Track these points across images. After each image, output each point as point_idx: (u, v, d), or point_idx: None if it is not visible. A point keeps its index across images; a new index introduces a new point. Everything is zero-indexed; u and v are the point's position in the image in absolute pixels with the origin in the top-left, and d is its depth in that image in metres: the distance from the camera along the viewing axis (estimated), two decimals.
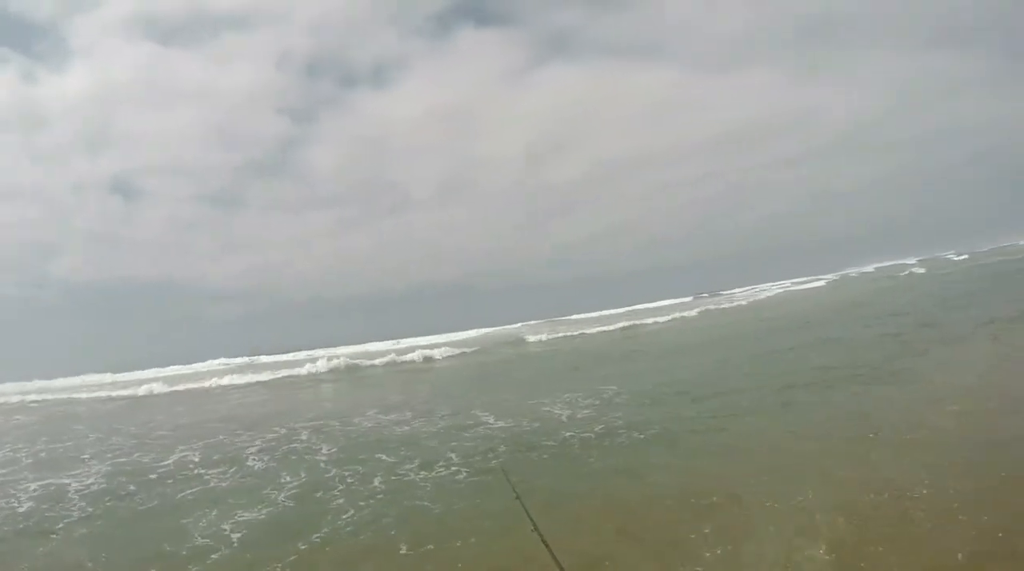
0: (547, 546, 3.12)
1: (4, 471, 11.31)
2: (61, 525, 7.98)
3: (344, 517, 6.91)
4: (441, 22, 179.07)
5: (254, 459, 10.31)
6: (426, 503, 7.09)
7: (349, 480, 8.33)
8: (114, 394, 26.24)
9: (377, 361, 28.99)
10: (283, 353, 58.12)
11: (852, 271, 74.39)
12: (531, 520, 3.52)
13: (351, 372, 27.04)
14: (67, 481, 10.05)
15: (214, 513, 7.73)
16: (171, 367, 52.49)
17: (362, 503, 7.27)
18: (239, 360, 53.19)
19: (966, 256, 60.33)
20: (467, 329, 67.51)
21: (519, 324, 62.07)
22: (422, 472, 8.30)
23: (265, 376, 26.76)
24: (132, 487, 9.44)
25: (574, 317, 60.46)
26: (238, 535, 6.87)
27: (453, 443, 9.73)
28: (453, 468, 8.33)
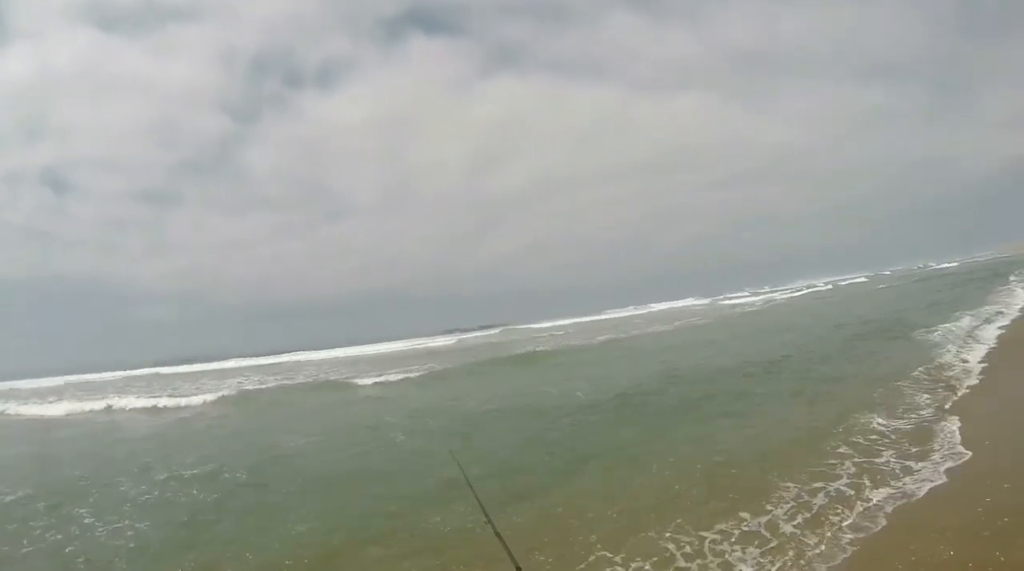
0: (500, 538, 3.18)
1: None
2: None
3: None
4: (392, 28, 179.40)
5: None
6: None
7: None
8: None
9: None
10: (203, 362, 54.90)
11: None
12: (484, 512, 3.58)
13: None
14: None
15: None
16: (71, 376, 48.35)
17: None
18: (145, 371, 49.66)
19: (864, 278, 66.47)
20: (423, 336, 66.64)
21: (487, 331, 62.22)
22: None
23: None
24: None
25: (539, 325, 61.12)
26: None
27: None
28: None
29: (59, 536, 7.23)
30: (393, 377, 20.85)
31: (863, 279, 74.90)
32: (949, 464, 6.24)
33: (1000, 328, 14.79)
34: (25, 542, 7.13)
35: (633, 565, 5.03)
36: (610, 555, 5.22)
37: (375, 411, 15.06)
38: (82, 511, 8.05)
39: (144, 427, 17.14)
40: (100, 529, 7.35)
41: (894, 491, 5.80)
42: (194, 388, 25.49)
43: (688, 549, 5.18)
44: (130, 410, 20.79)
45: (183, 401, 20.51)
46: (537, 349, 24.95)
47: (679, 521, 5.66)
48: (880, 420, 8.02)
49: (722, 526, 5.49)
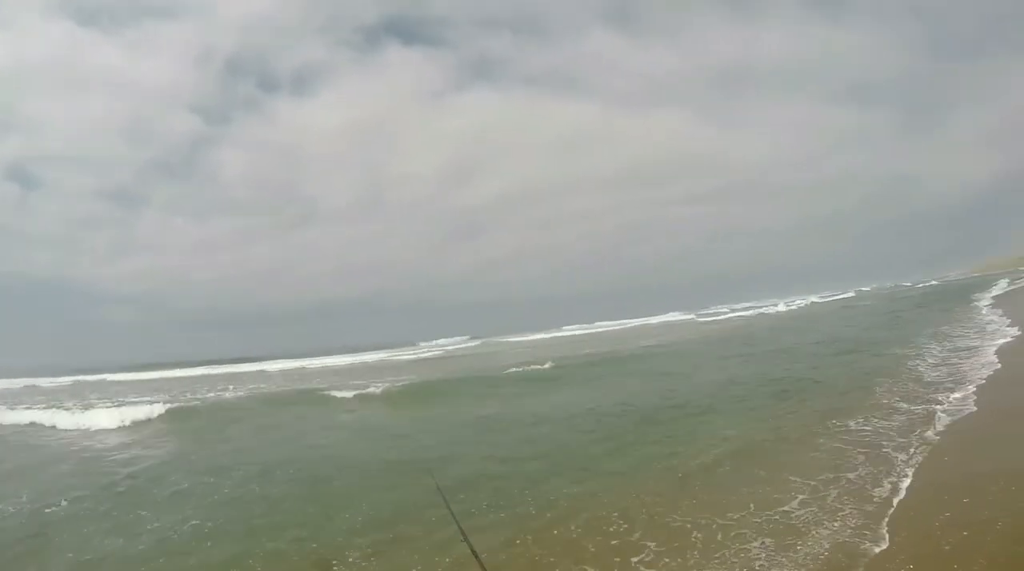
0: (475, 555, 3.21)
1: None
2: None
3: None
4: (370, 36, 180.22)
5: None
6: None
7: None
8: None
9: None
10: (166, 369, 53.41)
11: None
12: (460, 529, 3.65)
13: None
14: None
15: None
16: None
17: None
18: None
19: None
20: (399, 347, 66.06)
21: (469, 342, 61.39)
22: None
23: None
24: None
25: (518, 339, 61.10)
26: None
27: None
28: None
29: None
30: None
31: (852, 294, 77.01)
32: (907, 480, 6.53)
33: (973, 345, 15.44)
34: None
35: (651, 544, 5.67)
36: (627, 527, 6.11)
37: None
38: None
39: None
40: None
41: (856, 506, 6.02)
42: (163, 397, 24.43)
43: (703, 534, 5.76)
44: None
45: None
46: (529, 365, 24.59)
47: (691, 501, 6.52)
48: (853, 427, 8.73)
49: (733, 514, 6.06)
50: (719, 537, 5.66)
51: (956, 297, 38.26)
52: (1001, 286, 45.12)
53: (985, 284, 51.20)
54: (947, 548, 4.82)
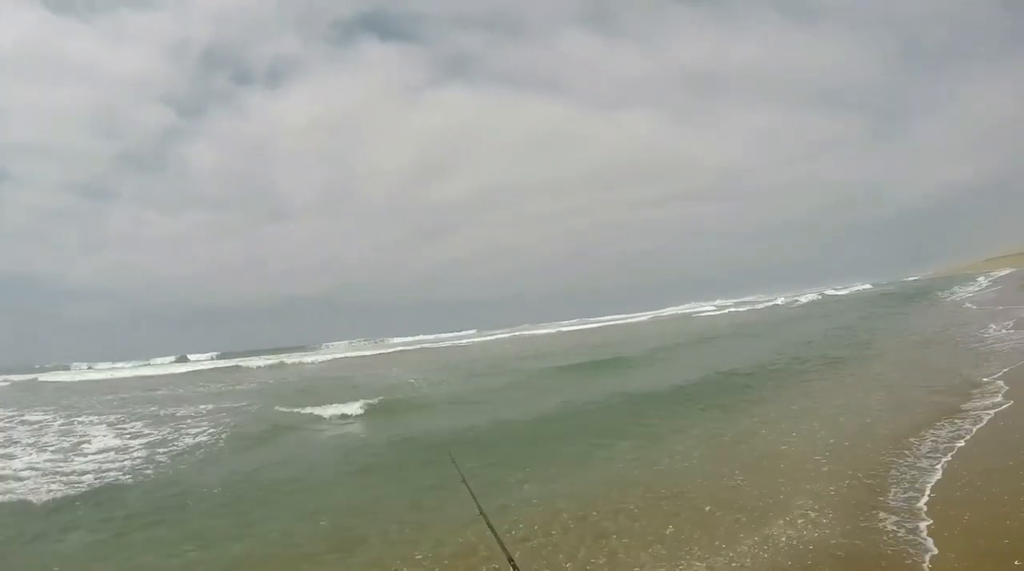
0: (492, 529, 3.33)
1: None
2: None
3: None
4: (346, 30, 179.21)
5: None
6: None
7: None
8: None
9: None
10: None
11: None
12: (477, 504, 3.76)
13: None
14: None
15: None
16: None
17: None
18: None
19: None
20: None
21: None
22: None
23: None
24: None
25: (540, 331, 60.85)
26: None
27: None
28: None
29: None
30: None
31: (868, 286, 77.53)
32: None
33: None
34: None
35: None
36: None
37: None
38: None
39: None
40: None
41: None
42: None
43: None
44: None
45: None
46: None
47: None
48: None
49: None
50: None
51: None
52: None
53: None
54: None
